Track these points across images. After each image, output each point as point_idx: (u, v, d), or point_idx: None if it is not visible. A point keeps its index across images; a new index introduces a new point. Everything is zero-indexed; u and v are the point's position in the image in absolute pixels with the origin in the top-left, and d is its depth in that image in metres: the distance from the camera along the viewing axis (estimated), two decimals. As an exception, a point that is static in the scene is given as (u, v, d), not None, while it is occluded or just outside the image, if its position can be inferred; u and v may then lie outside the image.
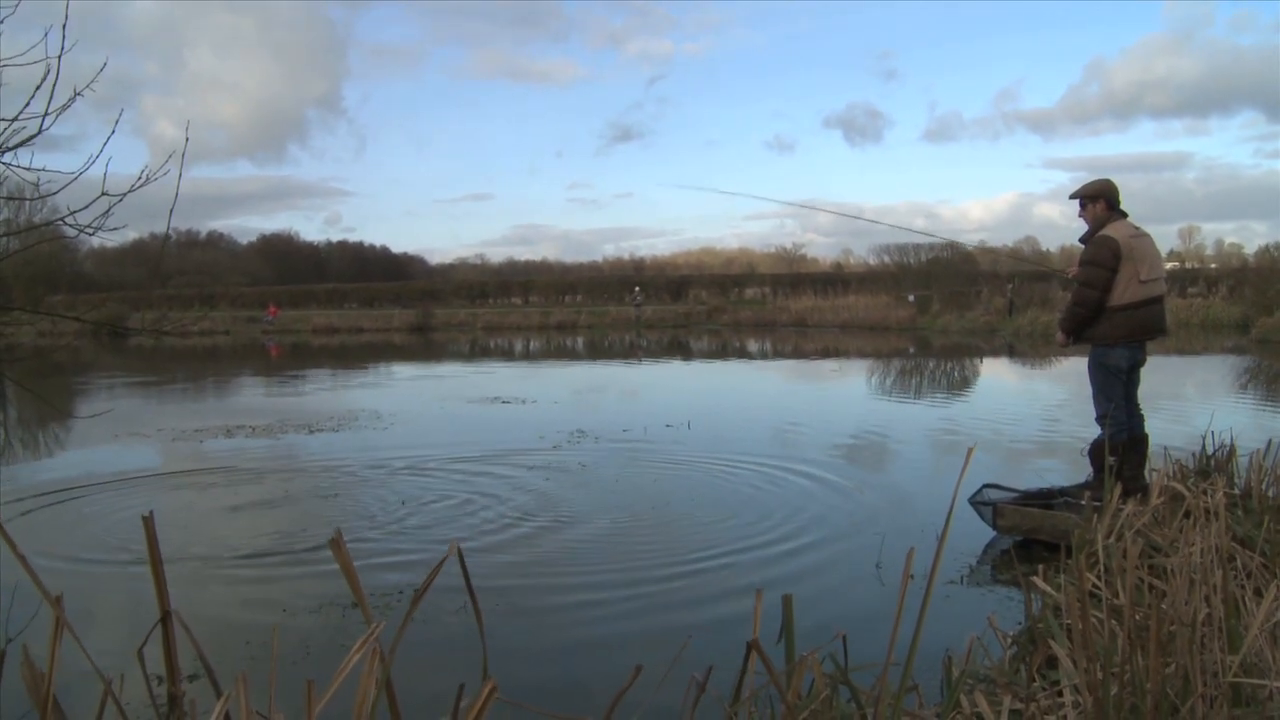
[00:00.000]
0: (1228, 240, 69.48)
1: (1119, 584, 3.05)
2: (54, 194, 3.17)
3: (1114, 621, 2.64)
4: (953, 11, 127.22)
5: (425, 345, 32.32)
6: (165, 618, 2.01)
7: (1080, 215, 5.70)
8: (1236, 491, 5.06)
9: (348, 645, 2.70)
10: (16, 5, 2.94)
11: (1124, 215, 5.59)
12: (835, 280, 48.39)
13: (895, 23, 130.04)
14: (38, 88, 2.79)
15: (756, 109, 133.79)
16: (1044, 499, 5.63)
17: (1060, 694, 2.62)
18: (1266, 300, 26.89)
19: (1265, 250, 35.18)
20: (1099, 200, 5.58)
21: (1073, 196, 5.72)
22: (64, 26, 2.80)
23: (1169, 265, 44.29)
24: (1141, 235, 5.50)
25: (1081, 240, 5.68)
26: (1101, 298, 5.42)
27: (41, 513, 6.66)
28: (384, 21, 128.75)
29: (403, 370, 21.84)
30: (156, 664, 2.08)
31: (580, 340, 33.73)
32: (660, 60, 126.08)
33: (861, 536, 5.68)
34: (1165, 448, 6.03)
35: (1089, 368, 5.67)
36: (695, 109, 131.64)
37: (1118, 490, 4.53)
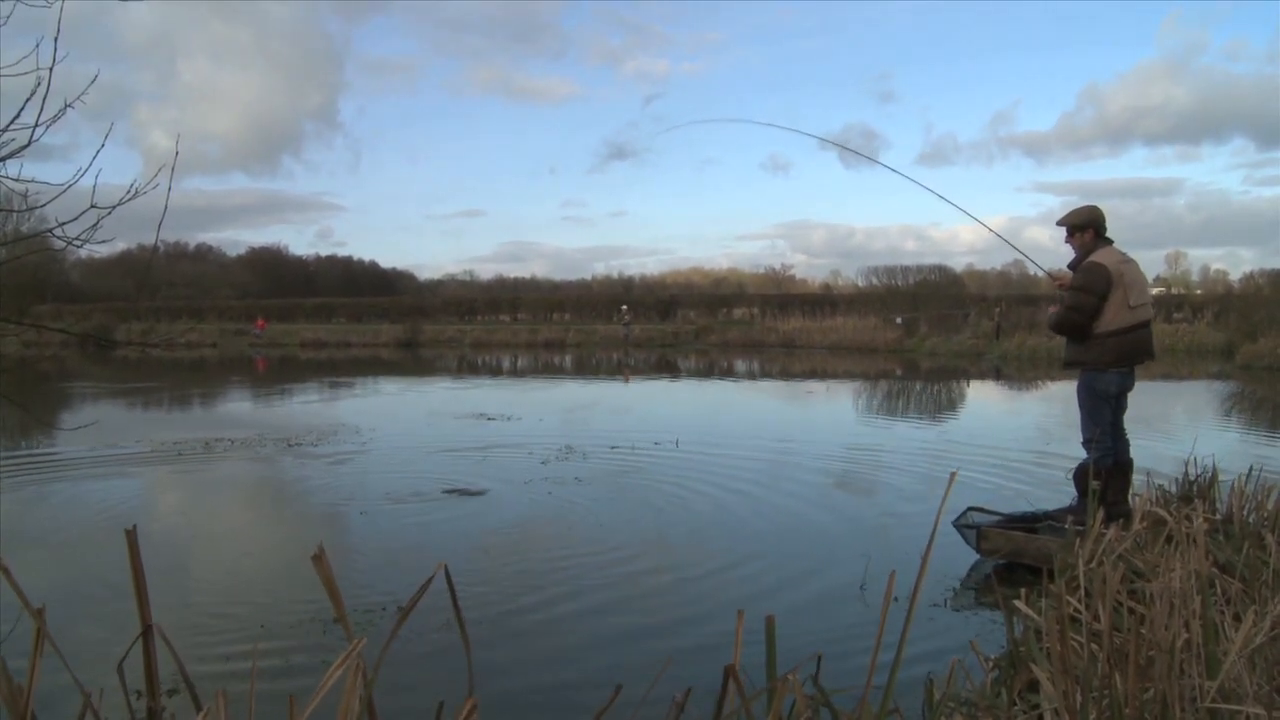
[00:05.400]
0: (1214, 266, 69.81)
1: (1100, 608, 3.07)
2: (42, 206, 3.16)
3: (1094, 645, 2.65)
4: (951, 35, 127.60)
5: (413, 361, 32.22)
6: (146, 632, 2.00)
7: (1067, 242, 5.73)
8: (1218, 517, 5.09)
9: (330, 661, 2.69)
10: (9, 15, 2.95)
11: (1110, 242, 5.64)
12: (824, 301, 48.45)
13: (894, 45, 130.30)
14: (27, 99, 2.79)
15: (752, 129, 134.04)
16: (1028, 523, 5.65)
17: (1041, 717, 2.63)
18: (1250, 326, 27.15)
19: (1250, 277, 35.58)
20: (1087, 229, 5.62)
21: (1060, 224, 5.74)
22: (55, 39, 2.80)
23: (1155, 290, 44.55)
24: (1129, 261, 5.56)
25: (1070, 267, 5.72)
26: (1087, 324, 5.47)
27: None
28: (381, 35, 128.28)
29: (389, 385, 21.77)
30: (137, 678, 2.07)
31: (568, 358, 33.70)
32: (657, 79, 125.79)
33: (846, 557, 5.69)
34: (1149, 472, 6.07)
35: (1078, 391, 5.69)
36: (691, 128, 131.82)
37: (1100, 515, 4.56)
